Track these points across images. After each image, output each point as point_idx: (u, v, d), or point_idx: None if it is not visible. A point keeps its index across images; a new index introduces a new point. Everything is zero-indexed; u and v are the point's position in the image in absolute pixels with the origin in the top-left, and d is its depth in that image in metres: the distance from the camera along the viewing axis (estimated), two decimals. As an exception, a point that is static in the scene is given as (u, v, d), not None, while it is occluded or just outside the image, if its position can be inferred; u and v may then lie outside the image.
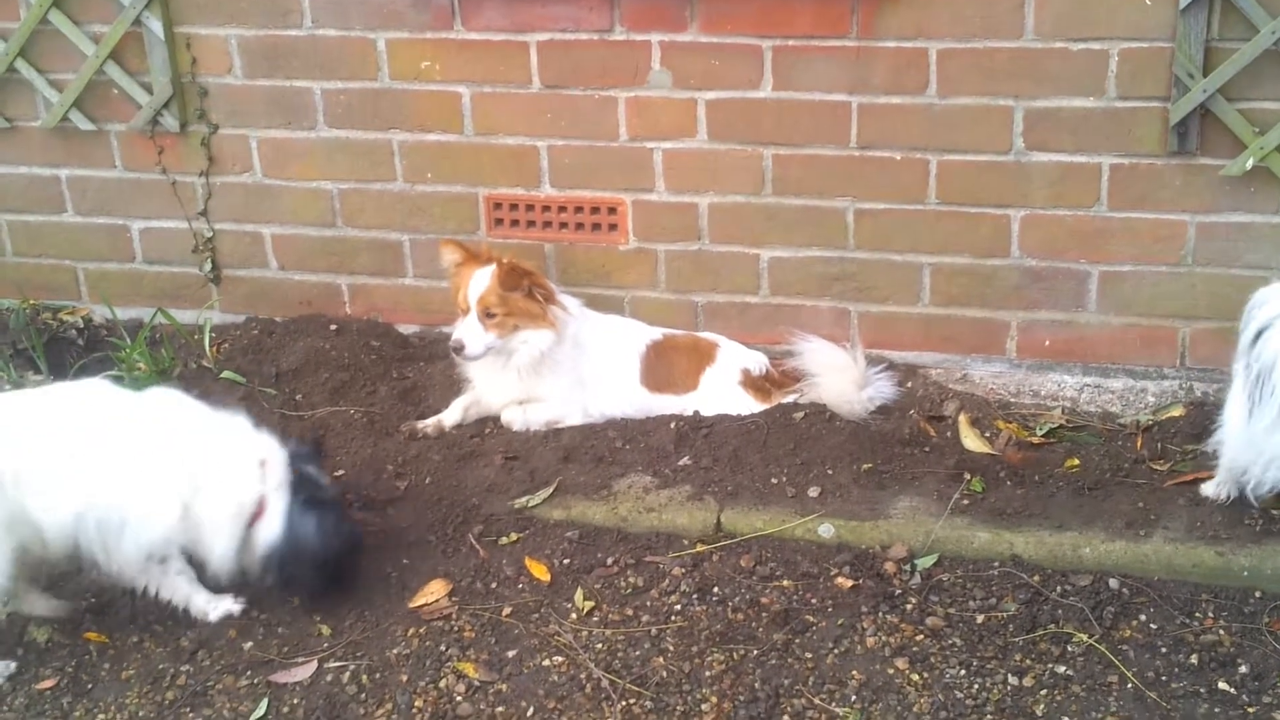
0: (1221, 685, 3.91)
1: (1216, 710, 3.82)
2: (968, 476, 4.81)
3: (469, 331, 5.22)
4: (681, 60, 5.48)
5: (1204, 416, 5.07)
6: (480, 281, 5.22)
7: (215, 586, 4.40)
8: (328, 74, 5.88)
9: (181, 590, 4.33)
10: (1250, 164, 5.02)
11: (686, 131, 5.58)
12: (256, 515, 4.25)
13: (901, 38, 5.24)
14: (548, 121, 5.72)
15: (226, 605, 4.39)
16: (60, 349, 6.14)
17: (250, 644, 4.32)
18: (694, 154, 5.60)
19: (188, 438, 4.23)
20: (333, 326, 6.13)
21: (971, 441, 5.03)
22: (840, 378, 5.27)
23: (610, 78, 5.58)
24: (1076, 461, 4.92)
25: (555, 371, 5.40)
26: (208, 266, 6.31)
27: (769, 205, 5.61)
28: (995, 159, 5.31)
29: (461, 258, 5.35)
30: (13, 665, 4.23)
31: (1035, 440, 5.09)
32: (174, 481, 4.15)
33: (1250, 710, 3.81)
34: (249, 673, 4.20)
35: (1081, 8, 5.05)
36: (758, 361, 5.54)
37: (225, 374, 5.59)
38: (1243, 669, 3.96)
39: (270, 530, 4.25)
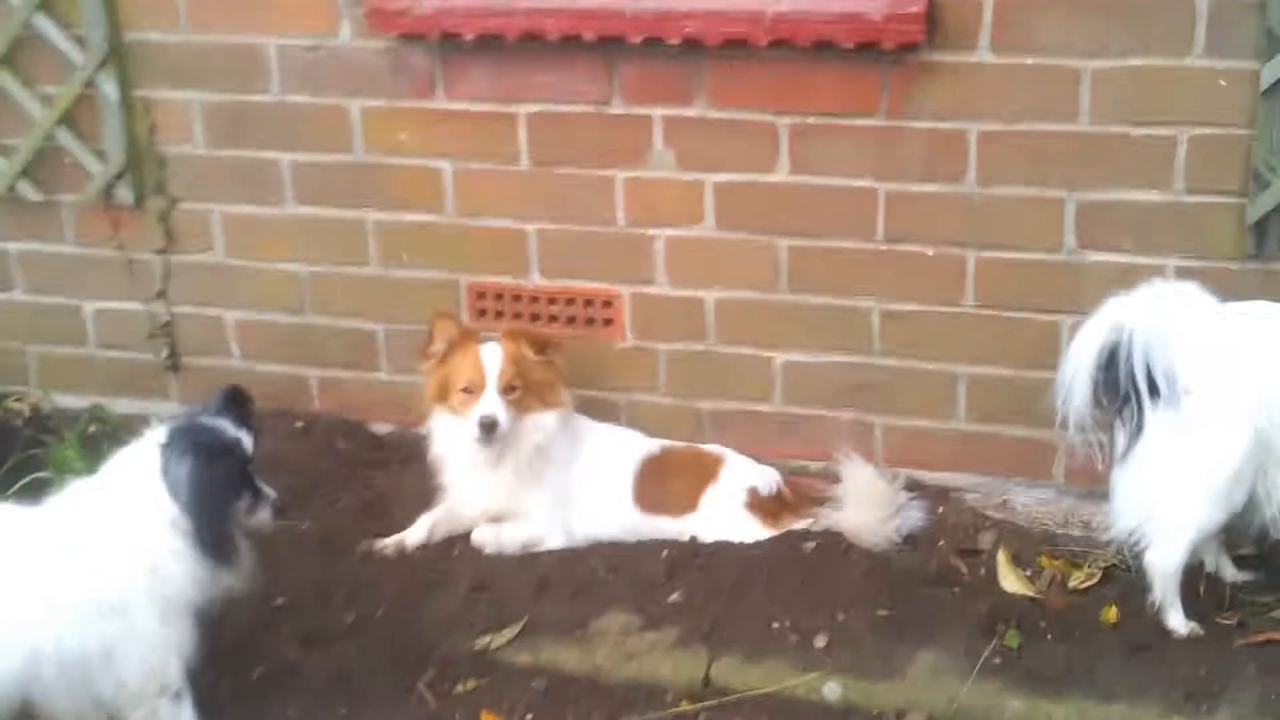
0: None
1: None
2: (1001, 628, 4.26)
3: (497, 405, 4.75)
4: (687, 138, 5.06)
5: (1284, 561, 4.52)
6: (495, 354, 4.81)
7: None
8: (297, 144, 5.46)
9: None
10: (1339, 272, 4.53)
11: (692, 217, 5.13)
12: None
13: (937, 117, 4.80)
14: (537, 203, 5.28)
15: None
16: (8, 440, 5.60)
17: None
18: (700, 242, 5.15)
19: None
20: (299, 424, 5.64)
21: (1010, 581, 4.53)
22: (870, 505, 4.77)
23: (607, 156, 5.15)
24: (1124, 611, 4.36)
25: (547, 471, 4.94)
26: (165, 353, 5.85)
27: (784, 303, 5.15)
28: (1043, 257, 4.83)
29: (459, 334, 4.92)
30: None
31: (1083, 583, 4.53)
32: None
33: None
34: None
35: (1144, 88, 4.59)
36: (767, 480, 5.00)
37: (169, 479, 5.05)
38: None
39: None
